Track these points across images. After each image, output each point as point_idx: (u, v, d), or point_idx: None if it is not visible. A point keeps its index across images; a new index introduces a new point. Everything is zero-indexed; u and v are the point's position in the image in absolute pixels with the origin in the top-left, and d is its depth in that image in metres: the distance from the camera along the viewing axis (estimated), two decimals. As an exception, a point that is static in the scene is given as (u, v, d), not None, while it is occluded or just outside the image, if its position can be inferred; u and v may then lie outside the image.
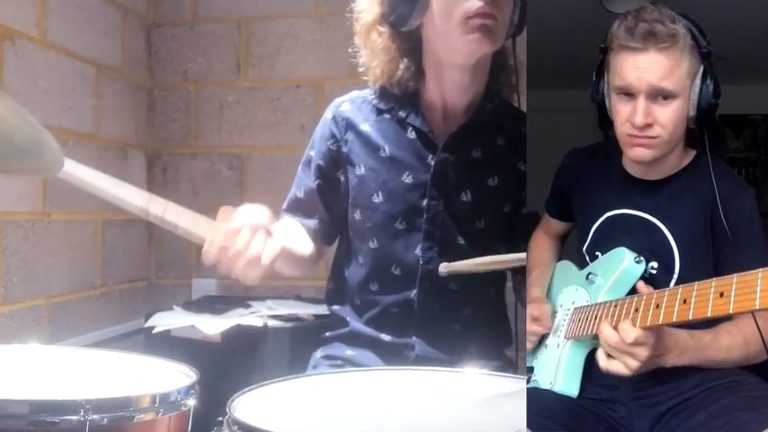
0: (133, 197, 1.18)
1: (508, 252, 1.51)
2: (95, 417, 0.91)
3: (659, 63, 1.28)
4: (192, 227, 1.17)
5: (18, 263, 1.96)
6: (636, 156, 1.37)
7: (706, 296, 1.12)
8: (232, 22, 2.64)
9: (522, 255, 1.26)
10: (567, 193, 1.60)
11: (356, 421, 1.04)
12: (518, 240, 1.52)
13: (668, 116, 1.31)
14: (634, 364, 1.24)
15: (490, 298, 1.53)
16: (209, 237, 1.18)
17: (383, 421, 1.04)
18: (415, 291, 1.45)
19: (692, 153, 1.44)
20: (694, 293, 1.15)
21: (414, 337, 1.46)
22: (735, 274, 1.09)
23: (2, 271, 1.90)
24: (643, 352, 1.23)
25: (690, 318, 1.16)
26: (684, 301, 1.16)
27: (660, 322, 1.20)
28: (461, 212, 1.45)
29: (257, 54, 2.63)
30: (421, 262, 1.44)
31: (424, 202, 1.44)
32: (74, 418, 0.90)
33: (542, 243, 1.69)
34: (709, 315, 1.12)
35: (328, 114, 1.53)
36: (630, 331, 1.23)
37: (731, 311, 1.09)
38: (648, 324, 1.22)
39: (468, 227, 1.46)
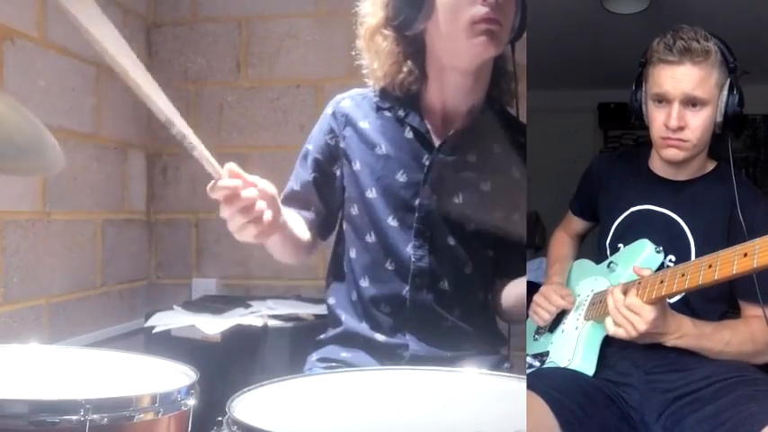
0: (165, 105, 1.18)
1: (498, 256, 1.53)
2: (95, 417, 0.92)
3: (693, 74, 1.43)
4: (209, 156, 1.18)
5: (18, 263, 1.96)
6: (668, 156, 1.50)
7: (730, 259, 1.22)
8: (232, 22, 2.64)
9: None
10: (594, 193, 1.71)
11: (355, 421, 1.04)
12: (510, 246, 1.53)
13: (698, 122, 1.46)
14: (632, 331, 1.35)
15: (480, 299, 1.54)
16: (222, 173, 1.17)
17: (382, 421, 1.05)
18: (407, 287, 1.46)
19: (714, 162, 1.58)
20: (719, 260, 1.24)
21: (407, 335, 1.47)
22: (757, 238, 1.18)
23: (2, 271, 1.90)
24: (640, 324, 1.33)
25: (716, 278, 1.23)
26: (710, 266, 1.25)
27: (686, 287, 1.29)
28: (453, 214, 1.47)
29: (257, 54, 2.63)
30: (412, 259, 1.45)
31: (417, 201, 1.45)
32: (74, 418, 0.91)
33: (562, 240, 1.83)
34: (734, 273, 1.20)
35: (328, 110, 1.55)
36: (618, 298, 1.36)
37: (755, 266, 1.17)
38: (675, 290, 1.31)
39: (460, 229, 1.47)
